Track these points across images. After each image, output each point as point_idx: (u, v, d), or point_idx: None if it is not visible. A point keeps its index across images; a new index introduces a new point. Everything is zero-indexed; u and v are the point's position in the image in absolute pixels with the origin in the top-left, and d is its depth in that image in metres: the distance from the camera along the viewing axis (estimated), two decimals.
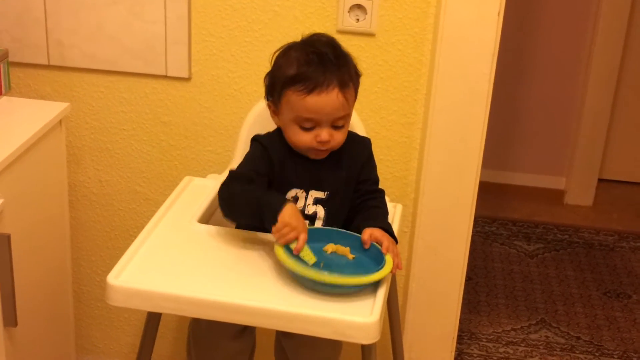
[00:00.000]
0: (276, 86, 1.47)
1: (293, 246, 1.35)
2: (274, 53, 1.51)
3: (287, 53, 1.48)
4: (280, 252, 1.34)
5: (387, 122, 1.84)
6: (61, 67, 1.88)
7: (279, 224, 1.35)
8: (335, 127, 1.46)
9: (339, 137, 1.48)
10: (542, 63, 3.40)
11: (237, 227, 1.60)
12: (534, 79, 3.42)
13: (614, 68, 3.31)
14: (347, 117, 1.47)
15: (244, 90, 1.86)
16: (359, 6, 1.75)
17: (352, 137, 1.57)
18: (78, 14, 1.83)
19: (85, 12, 1.83)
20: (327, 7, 1.76)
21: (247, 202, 1.43)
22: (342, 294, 1.33)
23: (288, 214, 1.36)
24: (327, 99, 1.42)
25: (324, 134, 1.45)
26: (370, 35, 1.77)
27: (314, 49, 1.46)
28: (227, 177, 1.49)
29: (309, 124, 1.45)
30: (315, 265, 1.36)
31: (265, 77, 1.52)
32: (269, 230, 1.38)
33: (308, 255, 1.37)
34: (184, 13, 1.80)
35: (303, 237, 1.36)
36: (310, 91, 1.42)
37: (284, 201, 1.39)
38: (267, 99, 1.53)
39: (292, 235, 1.35)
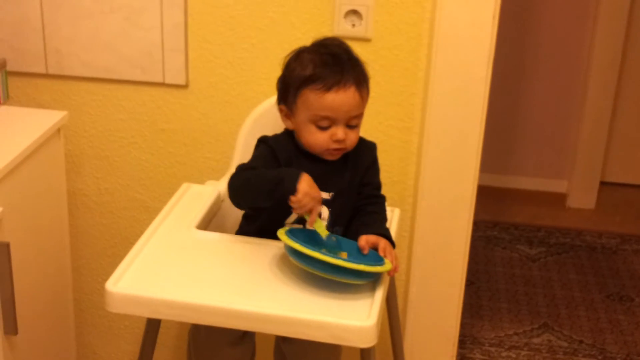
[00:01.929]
0: (291, 88, 1.48)
1: (307, 217, 1.38)
2: (285, 58, 1.51)
3: (300, 56, 1.49)
4: (286, 237, 1.34)
5: (384, 127, 1.84)
6: (59, 75, 1.89)
7: (299, 194, 1.36)
8: (350, 127, 1.47)
9: (353, 137, 1.49)
10: (542, 66, 3.40)
11: (238, 232, 1.60)
12: (535, 82, 3.42)
13: (614, 70, 3.31)
14: (361, 116, 1.49)
15: (241, 97, 1.86)
16: (354, 12, 1.75)
17: (359, 140, 1.58)
18: (75, 22, 1.84)
19: (82, 20, 1.83)
20: (322, 13, 1.76)
21: (261, 182, 1.43)
22: (345, 284, 1.34)
23: (307, 184, 1.38)
24: (344, 97, 1.44)
25: (340, 132, 1.46)
26: (366, 40, 1.77)
27: (327, 50, 1.48)
28: (236, 170, 1.49)
29: (326, 123, 1.46)
30: (326, 242, 1.40)
31: (277, 82, 1.53)
32: (285, 206, 1.39)
33: (321, 227, 1.39)
34: (180, 20, 1.80)
35: (317, 209, 1.38)
36: (328, 89, 1.43)
37: (300, 172, 1.40)
38: (279, 103, 1.53)
39: (311, 205, 1.37)
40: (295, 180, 1.38)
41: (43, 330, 1.83)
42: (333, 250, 1.41)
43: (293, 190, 1.37)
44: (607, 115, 3.37)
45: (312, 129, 1.47)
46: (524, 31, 3.36)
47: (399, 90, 1.81)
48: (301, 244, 1.32)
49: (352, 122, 1.47)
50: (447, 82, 1.74)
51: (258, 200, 1.47)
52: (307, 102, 1.46)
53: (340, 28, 1.76)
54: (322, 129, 1.46)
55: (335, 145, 1.47)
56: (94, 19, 1.83)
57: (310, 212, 1.39)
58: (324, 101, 1.44)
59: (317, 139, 1.47)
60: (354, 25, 1.76)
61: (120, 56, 1.85)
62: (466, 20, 1.69)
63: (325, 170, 1.51)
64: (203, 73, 1.85)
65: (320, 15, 1.77)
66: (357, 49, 1.76)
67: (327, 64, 1.45)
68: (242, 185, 1.46)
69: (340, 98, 1.44)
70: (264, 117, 1.71)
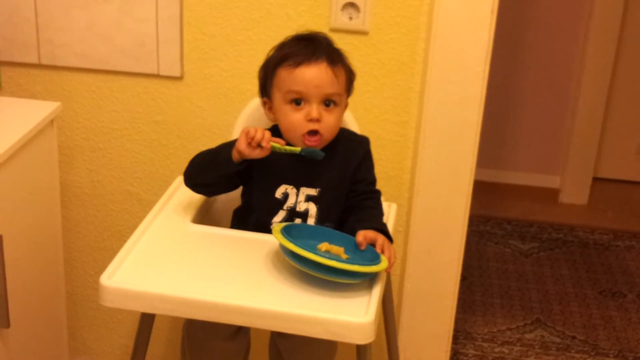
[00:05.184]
0: (268, 73, 1.50)
1: (277, 146, 1.43)
2: (270, 50, 1.52)
3: (281, 44, 1.52)
4: (281, 236, 1.33)
5: (380, 121, 1.84)
6: (52, 66, 1.87)
7: (241, 134, 1.42)
8: (326, 106, 1.47)
9: (329, 120, 1.47)
10: (536, 62, 3.40)
11: (232, 227, 1.59)
12: (528, 77, 3.43)
13: (608, 66, 3.31)
14: (337, 96, 1.48)
15: (236, 89, 1.85)
16: (351, 4, 1.74)
17: (349, 135, 1.57)
18: (69, 12, 1.82)
19: (76, 10, 1.81)
20: (319, 5, 1.75)
21: (204, 157, 1.51)
22: (339, 284, 1.33)
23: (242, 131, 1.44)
24: (315, 71, 1.44)
25: (314, 111, 1.45)
26: (364, 33, 1.76)
27: (305, 36, 1.50)
28: None
29: (298, 97, 1.46)
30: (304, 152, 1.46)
31: (258, 73, 1.54)
32: (230, 178, 1.48)
33: (291, 148, 1.46)
34: (175, 12, 1.79)
35: (268, 132, 1.44)
36: (298, 64, 1.45)
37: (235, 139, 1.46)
38: (261, 96, 1.53)
39: (258, 134, 1.41)
40: (231, 145, 1.45)
41: (35, 324, 1.82)
42: (311, 154, 1.45)
43: (230, 152, 1.44)
44: (600, 112, 3.37)
45: (287, 109, 1.47)
46: (518, 26, 3.35)
47: (396, 84, 1.80)
48: (296, 244, 1.31)
49: (328, 99, 1.46)
50: (445, 77, 1.73)
51: (206, 177, 1.51)
52: (280, 82, 1.47)
53: (338, 21, 1.75)
54: (297, 108, 1.46)
55: (310, 126, 1.46)
56: (88, 9, 1.81)
57: (268, 141, 1.43)
58: (295, 76, 1.45)
59: (292, 121, 1.47)
60: (351, 18, 1.75)
61: (114, 47, 1.83)
62: (464, 14, 1.68)
63: (310, 165, 1.50)
64: (198, 65, 1.84)
65: (317, 8, 1.75)
66: (354, 42, 1.76)
67: (300, 43, 1.47)
68: (189, 167, 1.53)
69: (310, 72, 1.44)
70: (259, 110, 1.69)
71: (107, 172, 1.97)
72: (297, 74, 1.44)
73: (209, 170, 1.49)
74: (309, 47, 1.46)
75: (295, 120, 1.46)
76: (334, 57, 1.47)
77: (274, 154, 1.46)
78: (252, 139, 1.42)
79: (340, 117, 1.50)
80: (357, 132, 1.66)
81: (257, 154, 1.43)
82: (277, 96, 1.48)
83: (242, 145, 1.42)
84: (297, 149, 1.45)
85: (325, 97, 1.46)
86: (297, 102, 1.46)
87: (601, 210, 3.42)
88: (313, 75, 1.44)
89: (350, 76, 1.52)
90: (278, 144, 1.44)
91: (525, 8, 3.34)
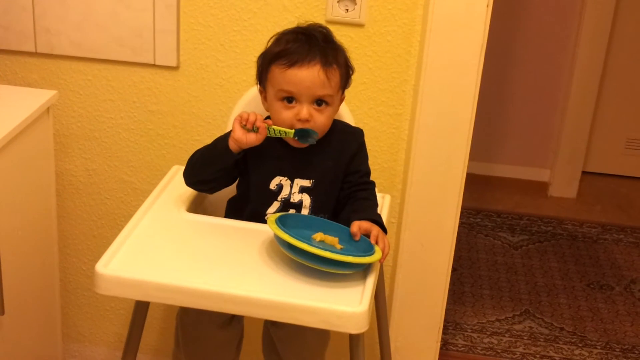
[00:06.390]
0: (264, 65, 1.50)
1: (277, 131, 1.45)
2: (269, 39, 1.53)
3: (279, 36, 1.51)
4: (276, 227, 1.34)
5: (375, 113, 1.85)
6: (48, 54, 1.87)
7: (234, 122, 1.44)
8: (318, 106, 1.47)
9: (320, 120, 1.48)
10: (527, 56, 3.41)
11: (226, 216, 1.60)
12: (520, 71, 3.44)
13: (599, 62, 3.33)
14: (328, 97, 1.48)
15: (232, 80, 1.85)
16: None
17: (343, 127, 1.58)
18: (65, 1, 1.82)
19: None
20: None
21: (202, 153, 1.52)
22: (333, 274, 1.34)
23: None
24: (307, 73, 1.44)
25: (304, 111, 1.46)
26: (359, 25, 1.77)
27: (304, 31, 1.49)
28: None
29: (287, 95, 1.46)
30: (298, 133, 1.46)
31: (257, 61, 1.54)
32: (229, 169, 1.50)
33: (283, 129, 1.46)
34: (172, 1, 1.79)
35: (259, 116, 1.46)
36: (291, 64, 1.45)
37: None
38: (259, 84, 1.55)
39: (251, 116, 1.44)
40: (227, 136, 1.47)
41: (29, 311, 1.82)
42: (305, 136, 1.46)
43: (227, 143, 1.46)
44: (590, 107, 3.40)
45: (278, 106, 1.48)
46: (510, 21, 3.36)
47: (391, 77, 1.81)
48: (291, 235, 1.32)
49: (320, 100, 1.47)
50: (439, 70, 1.74)
51: (205, 168, 1.51)
52: (273, 78, 1.47)
53: (334, 12, 1.75)
54: (288, 106, 1.47)
55: (300, 125, 1.47)
56: None
57: (262, 121, 1.45)
58: (287, 76, 1.45)
59: (282, 118, 1.48)
60: (347, 10, 1.75)
61: (111, 36, 1.83)
62: (460, 8, 1.69)
63: (304, 156, 1.51)
64: (194, 55, 1.84)
65: None
66: (350, 34, 1.77)
67: (297, 42, 1.46)
68: (188, 164, 1.54)
69: (302, 74, 1.44)
70: (255, 101, 1.70)
71: (102, 161, 1.97)
72: (289, 75, 1.45)
73: (208, 164, 1.50)
74: (304, 46, 1.45)
75: (286, 118, 1.47)
76: (328, 57, 1.46)
77: (269, 145, 1.48)
78: (247, 121, 1.43)
79: (332, 115, 1.51)
80: (351, 123, 1.67)
81: (252, 139, 1.44)
82: (270, 91, 1.49)
83: (237, 133, 1.44)
84: (291, 132, 1.46)
85: (316, 98, 1.47)
86: (289, 100, 1.47)
87: (590, 203, 3.45)
88: (304, 77, 1.44)
89: (347, 72, 1.52)
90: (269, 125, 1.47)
91: (518, 3, 3.35)
